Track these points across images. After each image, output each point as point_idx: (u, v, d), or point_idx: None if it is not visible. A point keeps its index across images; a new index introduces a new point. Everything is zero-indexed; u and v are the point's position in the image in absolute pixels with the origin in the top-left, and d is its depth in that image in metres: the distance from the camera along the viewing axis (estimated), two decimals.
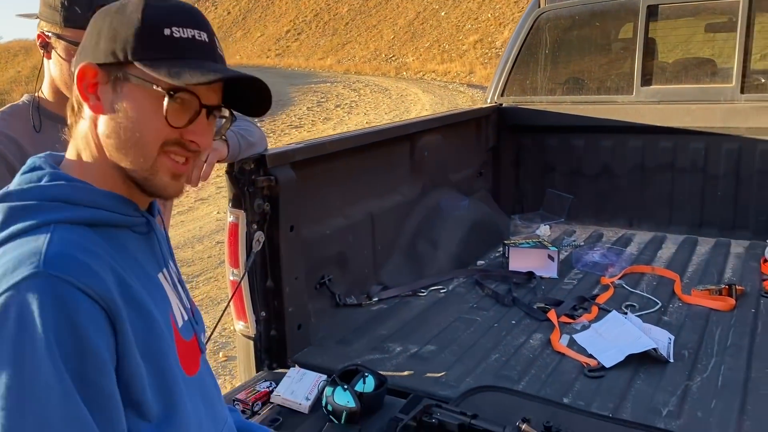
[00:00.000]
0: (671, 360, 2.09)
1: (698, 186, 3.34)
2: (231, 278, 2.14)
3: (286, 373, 2.03)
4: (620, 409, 1.83)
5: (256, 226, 2.09)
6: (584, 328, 2.35)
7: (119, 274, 0.82)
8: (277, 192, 2.09)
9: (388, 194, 2.89)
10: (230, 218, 2.11)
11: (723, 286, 2.56)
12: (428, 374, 2.07)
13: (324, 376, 1.98)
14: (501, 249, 3.20)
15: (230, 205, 2.11)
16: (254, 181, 2.06)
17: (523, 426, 1.61)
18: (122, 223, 0.88)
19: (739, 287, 2.55)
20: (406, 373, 2.08)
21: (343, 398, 1.79)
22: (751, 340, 2.20)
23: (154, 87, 0.84)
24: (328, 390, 1.83)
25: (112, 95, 0.85)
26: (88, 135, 0.88)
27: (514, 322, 2.46)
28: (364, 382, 1.85)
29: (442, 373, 2.07)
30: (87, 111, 0.88)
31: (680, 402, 1.85)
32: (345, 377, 1.88)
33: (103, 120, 0.87)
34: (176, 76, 0.82)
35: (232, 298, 2.12)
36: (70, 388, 0.73)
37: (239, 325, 2.19)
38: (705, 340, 2.23)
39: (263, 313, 2.16)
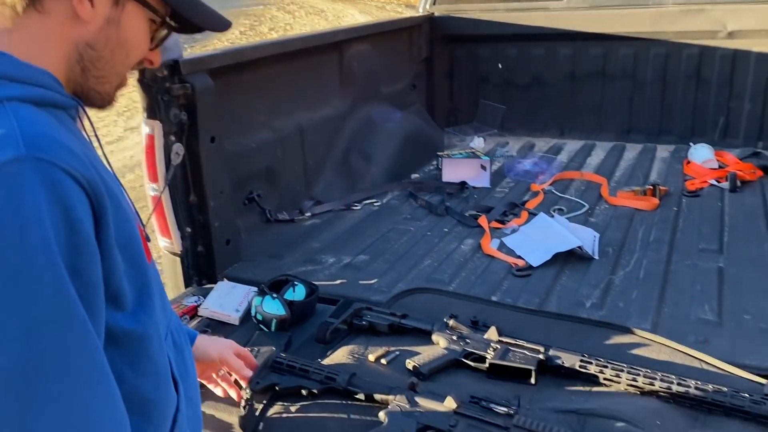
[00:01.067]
0: (596, 257, 2.14)
1: (627, 93, 3.38)
2: (151, 194, 2.05)
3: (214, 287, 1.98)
4: (546, 304, 1.87)
5: (174, 138, 1.99)
6: (514, 231, 2.38)
7: (88, 157, 0.74)
8: (194, 101, 1.98)
9: (317, 107, 2.80)
10: (146, 130, 2.00)
11: (647, 186, 2.63)
12: (360, 282, 2.07)
13: (254, 288, 1.94)
14: (435, 162, 3.18)
15: (145, 115, 1.99)
16: (168, 89, 1.94)
17: (451, 322, 1.63)
18: (65, 104, 0.80)
19: (663, 188, 2.62)
20: (338, 281, 2.07)
21: (272, 307, 1.77)
22: (672, 236, 2.28)
23: (154, 14, 0.86)
24: (256, 300, 1.80)
25: (111, 9, 0.81)
26: (49, 30, 0.79)
27: (446, 230, 2.47)
28: (294, 291, 1.83)
29: (374, 280, 2.07)
30: (59, 8, 0.78)
31: (603, 294, 1.91)
32: (275, 287, 1.85)
33: (89, 29, 0.81)
34: (195, 16, 0.88)
35: (152, 213, 2.04)
36: (64, 281, 0.66)
37: (164, 242, 2.12)
38: (629, 237, 2.29)
39: (188, 229, 2.09)
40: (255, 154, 2.42)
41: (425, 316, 1.72)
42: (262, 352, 1.60)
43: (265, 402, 1.40)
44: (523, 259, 2.13)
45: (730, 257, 2.09)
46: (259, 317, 1.77)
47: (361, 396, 1.38)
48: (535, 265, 2.09)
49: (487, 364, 1.49)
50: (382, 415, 1.31)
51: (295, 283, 1.86)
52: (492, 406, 1.29)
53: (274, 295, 1.79)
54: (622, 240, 2.27)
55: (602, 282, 1.98)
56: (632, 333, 1.61)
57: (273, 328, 1.75)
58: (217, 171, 2.12)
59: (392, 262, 2.21)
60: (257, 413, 1.37)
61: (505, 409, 1.27)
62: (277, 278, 1.91)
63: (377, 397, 1.37)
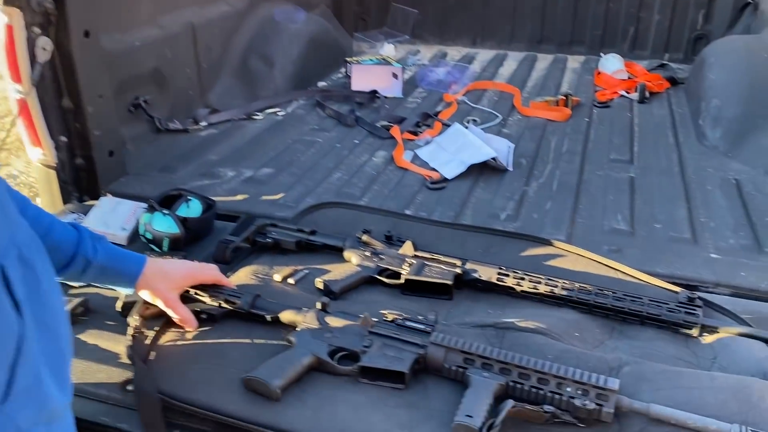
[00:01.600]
0: (510, 168, 2.08)
1: (539, 1, 3.27)
2: (15, 96, 1.76)
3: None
4: (461, 217, 1.79)
5: (38, 30, 1.69)
6: (427, 143, 2.27)
7: None
8: None
9: (210, 2, 2.51)
10: (3, 19, 1.68)
11: (559, 97, 2.57)
12: (264, 197, 1.91)
13: (143, 205, 1.74)
14: (343, 69, 2.98)
15: (1, 2, 1.67)
16: None
17: (364, 237, 1.52)
18: None
19: (575, 98, 2.58)
20: (238, 197, 1.90)
21: (163, 224, 1.58)
22: (584, 147, 2.25)
23: None
24: (145, 217, 1.61)
25: None
26: None
27: (357, 141, 2.32)
28: (188, 206, 1.65)
29: (280, 195, 1.92)
30: None
31: (517, 206, 1.86)
32: (166, 203, 1.66)
33: None
34: None
35: (17, 118, 1.75)
36: None
37: (36, 154, 1.85)
38: (542, 148, 2.25)
39: (63, 138, 1.83)
40: (139, 53, 2.14)
41: (336, 232, 1.60)
42: None
43: (156, 329, 1.25)
44: (437, 171, 2.04)
45: (640, 167, 2.09)
46: (149, 236, 1.59)
47: (266, 318, 1.26)
48: (449, 177, 2.00)
49: (402, 280, 1.40)
50: (290, 338, 1.19)
51: (189, 198, 1.67)
52: (408, 323, 1.20)
53: (165, 212, 1.60)
54: (535, 151, 2.22)
55: (516, 193, 1.93)
56: (548, 244, 1.56)
57: (165, 248, 1.58)
58: (95, 71, 1.85)
59: (299, 175, 2.05)
60: (147, 341, 1.21)
61: (421, 326, 1.19)
62: (168, 192, 1.71)
63: (284, 318, 1.25)
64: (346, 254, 1.50)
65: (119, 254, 1.19)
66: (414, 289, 1.40)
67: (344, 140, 2.33)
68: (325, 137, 2.36)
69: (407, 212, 1.80)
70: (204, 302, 1.28)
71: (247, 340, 1.22)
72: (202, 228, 1.66)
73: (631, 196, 1.90)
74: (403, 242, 1.49)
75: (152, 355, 1.20)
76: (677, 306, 1.29)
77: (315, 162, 2.15)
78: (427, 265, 1.43)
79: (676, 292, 1.36)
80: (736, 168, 2.05)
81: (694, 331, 1.26)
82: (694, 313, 1.27)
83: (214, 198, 1.80)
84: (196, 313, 1.27)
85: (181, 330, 1.25)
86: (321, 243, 1.54)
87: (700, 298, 1.31)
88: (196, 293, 1.29)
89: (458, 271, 1.40)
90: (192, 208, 1.66)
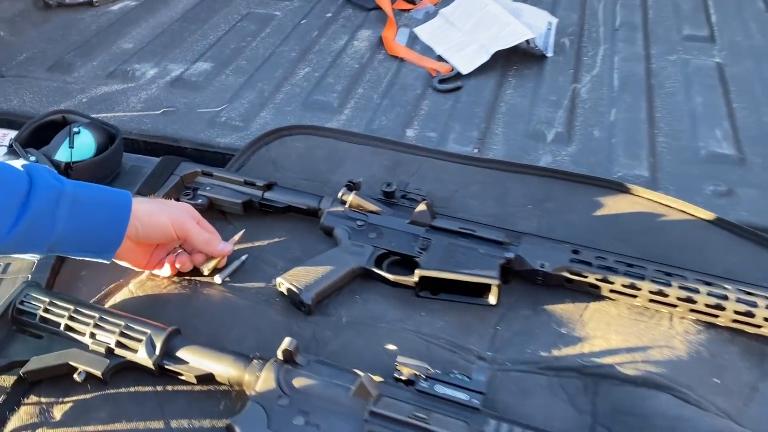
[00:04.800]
0: (549, 54, 1.47)
1: None
2: None
3: None
4: (490, 139, 1.22)
5: None
6: (428, 15, 1.63)
7: None
8: None
9: None
10: None
11: None
12: (199, 110, 1.31)
13: (12, 134, 1.14)
14: None
15: None
16: None
17: (350, 197, 0.95)
18: None
19: None
20: (160, 111, 1.30)
21: None
22: (644, 17, 1.64)
23: None
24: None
25: None
26: None
27: (329, 15, 1.68)
28: (72, 145, 1.05)
29: (221, 108, 1.32)
30: None
31: (569, 116, 1.29)
32: (41, 136, 1.07)
33: None
34: None
35: None
36: None
37: None
38: (587, 20, 1.62)
39: None
40: None
41: (305, 179, 1.04)
42: (9, 280, 0.88)
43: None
44: (446, 62, 1.43)
45: (725, 47, 1.50)
46: None
47: (188, 378, 0.73)
48: (465, 72, 1.39)
49: (416, 277, 0.86)
50: (232, 426, 0.67)
51: (77, 127, 1.07)
52: (438, 388, 0.68)
53: (32, 156, 1.01)
54: (578, 24, 1.60)
55: (565, 95, 1.35)
56: (627, 192, 1.01)
57: None
58: None
59: (248, 72, 1.44)
60: None
61: (464, 395, 0.67)
62: (44, 119, 1.11)
63: (221, 377, 0.72)
64: (325, 224, 0.94)
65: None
66: (436, 288, 0.87)
67: (311, 14, 1.69)
68: (285, 9, 1.71)
69: (409, 134, 1.23)
70: (81, 342, 0.74)
71: (159, 425, 0.70)
72: (100, 174, 1.08)
73: (725, 96, 1.34)
74: (414, 202, 0.94)
75: None
76: None
77: (271, 50, 1.53)
78: (454, 243, 0.89)
79: None
80: None
81: None
82: None
83: (123, 114, 1.22)
84: (70, 369, 0.73)
85: (45, 402, 0.72)
86: (283, 204, 0.98)
87: None
88: (70, 325, 0.75)
89: (509, 256, 0.86)
90: (81, 145, 1.07)
